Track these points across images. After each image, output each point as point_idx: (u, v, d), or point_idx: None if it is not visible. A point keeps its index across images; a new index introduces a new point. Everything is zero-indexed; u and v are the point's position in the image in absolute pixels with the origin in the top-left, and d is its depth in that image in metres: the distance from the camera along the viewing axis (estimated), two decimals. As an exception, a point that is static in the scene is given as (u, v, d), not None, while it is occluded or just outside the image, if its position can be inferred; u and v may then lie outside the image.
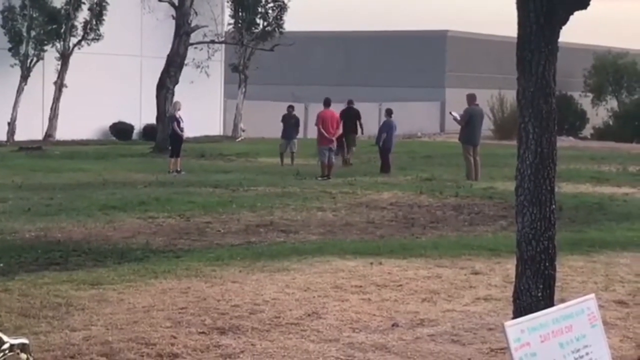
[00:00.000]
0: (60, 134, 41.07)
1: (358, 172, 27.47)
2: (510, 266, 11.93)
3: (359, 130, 31.31)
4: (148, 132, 42.67)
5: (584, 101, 59.20)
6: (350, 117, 30.36)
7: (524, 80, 6.85)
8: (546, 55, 6.76)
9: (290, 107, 32.54)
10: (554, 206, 6.98)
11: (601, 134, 54.33)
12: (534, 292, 6.90)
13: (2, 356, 6.64)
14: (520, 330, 5.69)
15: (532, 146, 6.87)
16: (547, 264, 6.95)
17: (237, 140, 44.94)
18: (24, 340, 6.80)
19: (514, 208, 20.09)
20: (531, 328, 5.74)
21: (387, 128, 29.08)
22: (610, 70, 61.21)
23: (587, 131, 56.69)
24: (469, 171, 25.29)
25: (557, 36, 6.78)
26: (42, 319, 9.11)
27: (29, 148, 34.92)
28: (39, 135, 40.81)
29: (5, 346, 6.60)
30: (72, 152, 34.04)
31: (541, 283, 6.90)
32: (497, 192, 21.76)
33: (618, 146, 44.55)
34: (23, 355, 6.70)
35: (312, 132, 36.46)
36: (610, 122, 56.54)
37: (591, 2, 6.99)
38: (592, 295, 6.30)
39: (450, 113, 27.09)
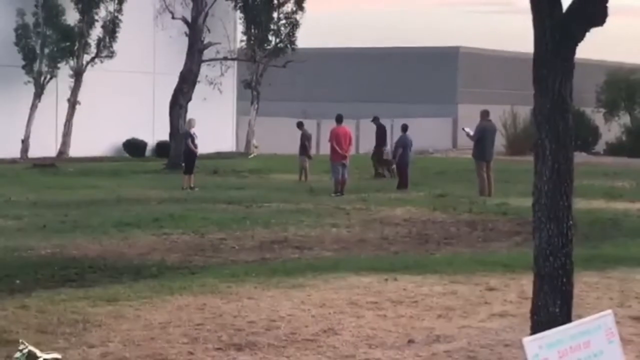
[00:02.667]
0: (74, 151, 41.22)
1: (371, 188, 27.49)
2: (525, 282, 11.95)
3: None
4: (161, 148, 42.79)
5: (597, 117, 59.08)
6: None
7: (541, 97, 6.88)
8: (562, 72, 6.79)
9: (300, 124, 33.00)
10: (571, 222, 7.00)
11: (614, 149, 54.20)
12: (552, 308, 6.91)
13: None
14: (538, 347, 5.70)
15: (549, 162, 6.88)
16: (564, 280, 6.96)
17: (250, 156, 45.02)
18: (57, 356, 6.88)
19: (528, 224, 20.01)
20: (549, 344, 5.76)
21: (402, 143, 29.12)
22: (623, 86, 61.05)
23: (600, 147, 56.57)
24: (482, 187, 25.27)
25: (574, 53, 6.81)
26: (59, 336, 9.15)
27: (43, 165, 35.05)
28: (52, 152, 40.98)
29: None
30: (86, 169, 34.15)
31: (559, 299, 6.91)
32: (511, 208, 21.73)
33: (631, 162, 44.45)
34: None
35: (325, 149, 36.54)
36: (623, 138, 56.41)
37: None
38: (610, 311, 6.30)
39: (463, 129, 27.11)
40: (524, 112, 51.51)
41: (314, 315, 10.18)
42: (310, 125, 38.81)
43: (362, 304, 10.80)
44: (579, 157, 44.35)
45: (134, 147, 44.37)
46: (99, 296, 11.06)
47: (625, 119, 60.11)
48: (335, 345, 9.00)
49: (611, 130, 57.95)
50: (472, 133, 25.85)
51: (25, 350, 6.72)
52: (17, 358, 6.80)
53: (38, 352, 6.79)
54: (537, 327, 6.85)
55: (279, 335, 9.32)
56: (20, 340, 6.98)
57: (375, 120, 34.59)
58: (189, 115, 33.48)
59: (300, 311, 10.39)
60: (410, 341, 9.17)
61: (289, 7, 47.29)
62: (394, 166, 30.62)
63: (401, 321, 10.01)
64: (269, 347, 8.88)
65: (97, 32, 42.23)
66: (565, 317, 6.89)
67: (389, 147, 33.47)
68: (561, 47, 6.76)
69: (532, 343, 5.69)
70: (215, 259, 14.58)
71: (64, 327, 9.49)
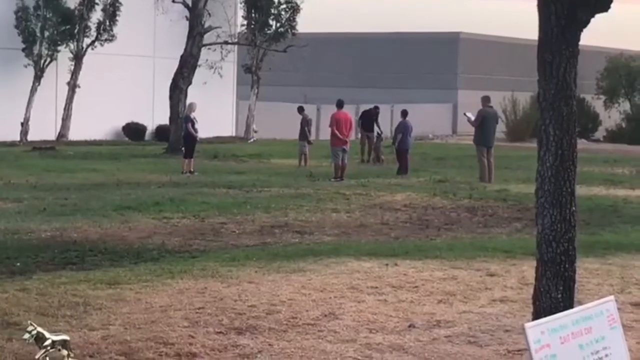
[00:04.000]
0: (73, 134, 41.19)
1: (371, 173, 27.49)
2: (525, 268, 11.98)
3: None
4: (161, 132, 42.75)
5: (597, 103, 59.08)
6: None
7: (545, 83, 6.87)
8: (567, 58, 6.77)
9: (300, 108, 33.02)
10: (574, 208, 6.99)
11: (614, 136, 54.25)
12: (554, 293, 6.92)
13: (44, 352, 6.71)
14: (540, 332, 5.72)
15: (552, 148, 6.88)
16: (567, 266, 6.96)
17: (249, 141, 45.00)
18: (65, 337, 6.89)
19: (528, 210, 20.10)
20: (551, 329, 5.77)
21: (402, 129, 29.12)
22: (623, 73, 61.05)
23: (600, 134, 56.59)
24: (482, 173, 25.27)
25: (578, 39, 6.79)
26: (60, 318, 9.16)
27: (43, 148, 35.02)
28: (52, 136, 40.94)
29: (48, 342, 6.70)
30: (86, 153, 34.14)
31: (561, 285, 6.91)
32: (511, 195, 21.74)
33: (631, 149, 44.48)
34: (64, 351, 6.78)
35: (325, 134, 36.53)
36: (623, 125, 56.44)
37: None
38: (612, 297, 6.32)
39: (465, 114, 27.10)
40: (524, 98, 51.55)
41: (314, 300, 10.19)
42: (310, 110, 38.79)
43: (363, 289, 10.81)
44: (579, 144, 44.11)
45: (133, 131, 44.33)
46: (99, 279, 11.07)
47: (625, 106, 60.12)
48: (336, 329, 9.01)
49: (611, 117, 57.97)
50: (473, 118, 25.84)
51: (34, 332, 6.74)
52: (25, 339, 6.82)
53: (47, 334, 6.80)
54: (539, 312, 6.86)
55: (279, 319, 9.33)
56: (29, 322, 7.00)
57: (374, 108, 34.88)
58: (189, 100, 33.42)
59: (300, 295, 10.40)
60: (411, 326, 9.19)
61: (289, -9, 47.17)
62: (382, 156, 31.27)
63: (402, 306, 10.03)
64: (269, 331, 8.89)
65: (97, 15, 42.11)
66: (567, 303, 6.90)
67: (375, 133, 33.44)
68: (566, 33, 6.75)
69: (534, 328, 5.71)
70: (216, 243, 14.59)
71: (65, 310, 9.50)
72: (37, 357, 6.79)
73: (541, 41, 6.88)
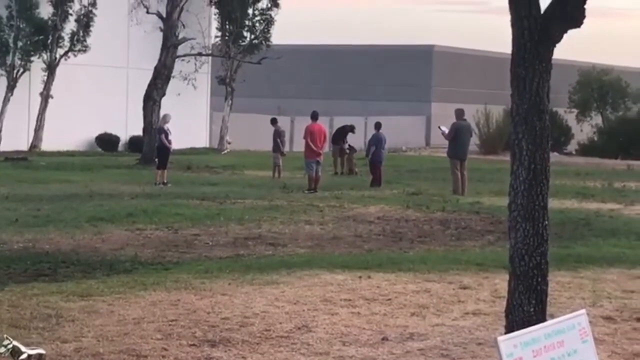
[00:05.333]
0: (46, 145, 41.02)
1: (345, 185, 27.52)
2: (498, 281, 12.02)
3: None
4: (134, 143, 42.66)
5: (569, 117, 59.44)
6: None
7: (518, 97, 6.91)
8: (540, 73, 6.82)
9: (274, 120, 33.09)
10: (546, 222, 7.04)
11: (586, 149, 54.57)
12: (526, 307, 6.95)
13: None
14: (513, 345, 5.73)
15: (525, 162, 6.92)
16: (539, 280, 7.00)
17: (223, 152, 44.96)
18: (41, 351, 6.87)
19: (500, 223, 20.11)
20: (524, 343, 5.79)
21: (376, 141, 29.19)
22: (595, 87, 61.49)
23: (572, 147, 56.91)
24: (455, 186, 25.35)
25: (551, 54, 6.85)
26: (32, 330, 9.11)
27: (15, 159, 34.85)
28: (24, 146, 40.76)
29: (23, 356, 6.67)
30: (58, 163, 33.97)
31: (533, 298, 6.95)
32: (484, 207, 21.81)
33: (603, 162, 44.75)
34: None
35: (299, 145, 36.55)
36: (595, 138, 56.79)
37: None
38: (584, 311, 6.35)
39: (439, 127, 27.18)
40: (497, 111, 51.80)
41: (287, 312, 10.19)
42: (283, 122, 38.80)
43: (336, 301, 10.82)
44: (551, 157, 44.46)
45: (106, 141, 44.20)
46: (72, 291, 11.02)
47: (597, 119, 60.51)
48: (310, 342, 9.01)
49: (583, 130, 58.31)
50: (447, 132, 25.92)
51: (10, 346, 6.70)
52: (1, 353, 6.78)
53: (22, 347, 6.77)
54: (512, 326, 6.89)
55: (253, 331, 9.32)
56: (5, 336, 6.96)
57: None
58: (162, 111, 33.37)
59: (274, 308, 10.39)
60: (384, 339, 9.20)
61: (263, 3, 47.30)
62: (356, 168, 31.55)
63: (375, 319, 10.04)
64: (243, 343, 8.88)
65: (71, 25, 42.04)
66: (540, 316, 6.93)
67: (346, 145, 33.59)
68: (539, 48, 6.79)
69: (507, 342, 5.72)
70: (189, 255, 14.56)
71: (37, 322, 9.45)
72: None
73: (514, 56, 6.93)
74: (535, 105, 6.87)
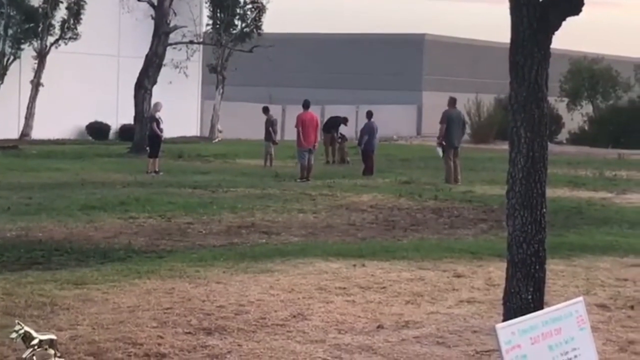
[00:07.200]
0: (37, 133, 40.89)
1: (337, 174, 27.52)
2: (492, 269, 12.05)
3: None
4: (125, 132, 42.56)
5: (560, 106, 59.46)
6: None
7: (517, 85, 6.91)
8: (539, 61, 6.82)
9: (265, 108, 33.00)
10: (544, 210, 7.04)
11: (577, 138, 54.62)
12: (524, 294, 6.96)
13: (31, 351, 6.66)
14: (511, 333, 5.74)
15: (523, 150, 6.92)
16: (537, 267, 7.01)
17: (214, 141, 44.90)
18: (52, 336, 6.85)
19: (493, 212, 20.15)
20: (522, 330, 5.80)
21: (368, 130, 29.20)
22: (586, 76, 61.48)
23: (563, 136, 56.96)
24: (448, 174, 25.37)
25: (550, 41, 6.84)
26: (27, 318, 9.07)
27: (5, 147, 34.75)
28: (15, 134, 40.62)
29: (35, 342, 6.66)
30: (49, 152, 33.90)
31: (531, 286, 6.95)
32: (476, 196, 21.85)
33: (594, 151, 44.82)
34: (51, 351, 6.74)
35: (290, 134, 36.52)
36: (586, 127, 56.83)
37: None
38: (581, 299, 6.36)
39: (437, 148, 26.44)
40: (489, 100, 51.79)
41: (282, 300, 10.19)
42: (275, 111, 38.74)
43: (331, 290, 10.82)
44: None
45: (97, 130, 44.09)
46: (66, 279, 11.00)
47: (588, 108, 60.54)
48: (305, 330, 9.01)
49: (574, 120, 58.35)
50: (441, 155, 25.69)
51: (22, 331, 6.68)
52: (12, 338, 6.76)
53: (34, 333, 6.75)
54: (510, 313, 6.90)
55: (248, 319, 9.32)
56: (17, 321, 6.93)
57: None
58: (153, 99, 33.29)
59: (269, 296, 10.39)
60: (380, 327, 9.21)
61: (255, -9, 47.13)
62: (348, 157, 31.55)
63: (370, 307, 10.05)
64: (238, 331, 8.88)
65: (61, 13, 41.85)
66: (537, 304, 6.94)
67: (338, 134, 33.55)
68: (538, 35, 6.79)
69: (505, 329, 5.73)
70: (183, 243, 14.54)
71: (32, 310, 9.43)
72: (24, 356, 6.74)
73: (513, 44, 6.93)
74: (533, 93, 6.86)
